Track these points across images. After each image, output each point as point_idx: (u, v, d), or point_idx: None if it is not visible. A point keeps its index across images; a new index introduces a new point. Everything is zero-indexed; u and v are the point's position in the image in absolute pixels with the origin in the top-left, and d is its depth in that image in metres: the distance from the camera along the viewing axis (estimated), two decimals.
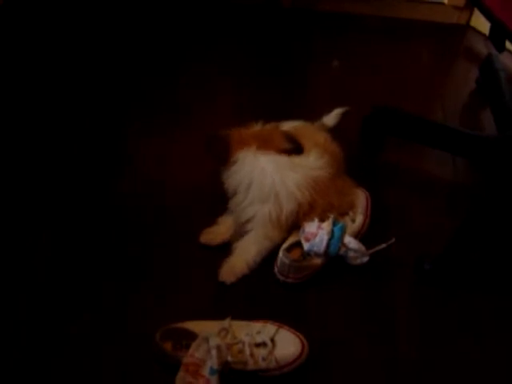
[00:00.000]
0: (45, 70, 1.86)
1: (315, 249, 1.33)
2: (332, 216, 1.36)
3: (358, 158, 1.62)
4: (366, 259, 1.36)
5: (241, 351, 1.22)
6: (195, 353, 1.20)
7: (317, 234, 1.33)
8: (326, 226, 1.34)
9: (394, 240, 1.38)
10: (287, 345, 1.24)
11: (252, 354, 1.22)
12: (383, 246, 1.38)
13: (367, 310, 1.36)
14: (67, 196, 1.55)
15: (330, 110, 1.67)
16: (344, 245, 1.34)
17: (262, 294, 1.38)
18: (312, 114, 1.64)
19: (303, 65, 1.90)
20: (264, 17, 2.08)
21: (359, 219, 1.41)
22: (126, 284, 1.37)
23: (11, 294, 1.35)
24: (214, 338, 1.20)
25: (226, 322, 1.25)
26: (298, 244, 1.36)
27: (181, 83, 1.82)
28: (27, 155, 1.64)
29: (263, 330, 1.25)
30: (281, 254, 1.34)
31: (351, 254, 1.35)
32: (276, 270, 1.37)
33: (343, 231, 1.34)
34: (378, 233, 1.44)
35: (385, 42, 1.99)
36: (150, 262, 1.41)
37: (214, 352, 1.18)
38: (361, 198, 1.46)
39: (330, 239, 1.33)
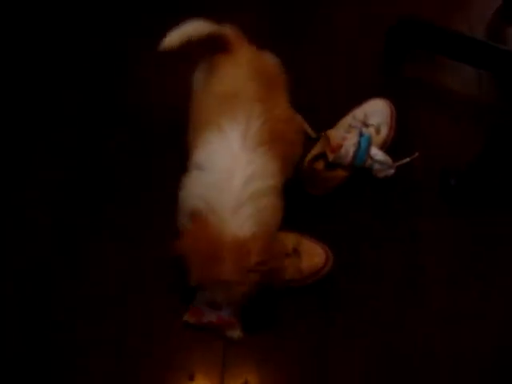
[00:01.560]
0: None
1: (340, 160, 1.29)
2: (358, 126, 1.32)
3: (382, 69, 1.56)
4: (391, 172, 1.33)
5: None
6: None
7: (342, 145, 1.29)
8: (353, 136, 1.30)
9: (417, 154, 1.35)
10: (311, 255, 1.22)
11: None
12: (407, 159, 1.34)
13: (395, 226, 1.34)
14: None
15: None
16: (370, 157, 1.30)
17: (286, 205, 1.34)
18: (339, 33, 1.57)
19: None
20: None
21: (384, 130, 1.37)
22: None
23: None
24: None
25: None
26: (323, 155, 1.31)
27: None
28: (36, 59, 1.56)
29: (285, 239, 1.22)
30: (306, 164, 1.30)
31: (377, 166, 1.32)
32: (301, 181, 1.33)
33: (370, 142, 1.30)
34: (401, 147, 1.40)
35: None
36: None
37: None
38: (384, 108, 1.40)
39: (356, 150, 1.28)
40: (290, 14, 1.66)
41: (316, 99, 1.49)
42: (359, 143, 1.29)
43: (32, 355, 1.20)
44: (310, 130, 1.38)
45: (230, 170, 1.02)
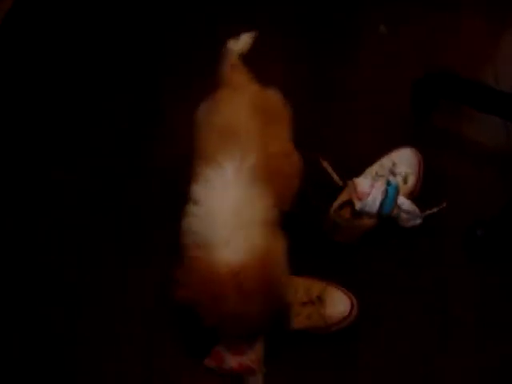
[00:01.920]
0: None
1: (367, 209, 1.29)
2: (385, 175, 1.32)
3: (409, 120, 1.56)
4: (418, 222, 1.33)
5: None
6: None
7: (370, 193, 1.29)
8: (380, 185, 1.30)
9: (445, 204, 1.34)
10: (335, 303, 1.22)
11: (298, 313, 1.20)
12: (434, 209, 1.34)
13: (419, 275, 1.33)
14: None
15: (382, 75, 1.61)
16: (397, 206, 1.30)
17: (310, 253, 1.34)
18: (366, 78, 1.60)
19: (351, 31, 1.81)
20: None
21: (411, 180, 1.37)
22: None
23: None
24: None
25: None
26: (349, 203, 1.32)
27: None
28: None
29: (311, 287, 1.22)
30: (332, 212, 1.31)
31: (404, 215, 1.31)
32: (326, 229, 1.33)
33: (397, 191, 1.30)
34: (428, 197, 1.39)
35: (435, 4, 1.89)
36: None
37: None
38: (412, 157, 1.40)
39: (383, 199, 1.29)
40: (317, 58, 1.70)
41: (343, 149, 1.50)
42: (387, 191, 1.29)
43: None
44: (336, 178, 1.39)
45: (221, 204, 1.04)
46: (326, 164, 1.39)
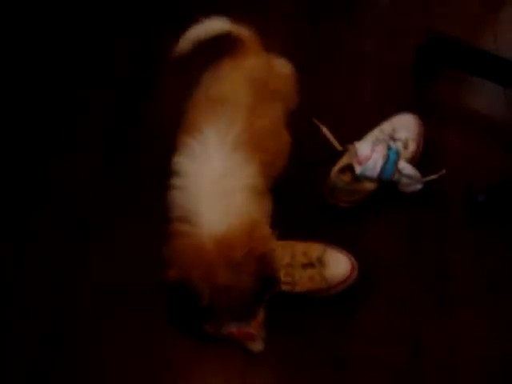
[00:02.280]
0: None
1: (368, 173, 1.29)
2: (386, 140, 1.31)
3: (410, 85, 1.55)
4: (419, 187, 1.32)
5: (287, 274, 1.19)
6: None
7: (371, 157, 1.29)
8: (381, 149, 1.30)
9: (444, 171, 1.33)
10: (336, 264, 1.22)
11: (300, 276, 1.19)
12: (434, 176, 1.34)
13: (418, 238, 1.33)
14: None
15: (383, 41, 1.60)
16: (398, 170, 1.29)
17: (310, 218, 1.34)
18: (367, 43, 1.59)
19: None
20: None
21: (412, 145, 1.36)
22: None
23: None
24: None
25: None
26: (349, 167, 1.31)
27: None
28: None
29: (309, 249, 1.22)
30: (332, 176, 1.30)
31: (405, 180, 1.31)
32: (325, 192, 1.32)
33: (398, 156, 1.30)
34: (427, 164, 1.39)
35: None
36: None
37: None
38: (412, 123, 1.39)
39: (384, 163, 1.28)
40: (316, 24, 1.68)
41: (342, 113, 1.49)
42: (388, 156, 1.29)
43: None
44: (335, 143, 1.38)
45: (202, 173, 1.00)
46: (325, 129, 1.38)
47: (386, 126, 1.38)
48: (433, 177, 1.34)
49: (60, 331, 1.24)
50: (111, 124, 1.52)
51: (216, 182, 0.99)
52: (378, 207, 1.35)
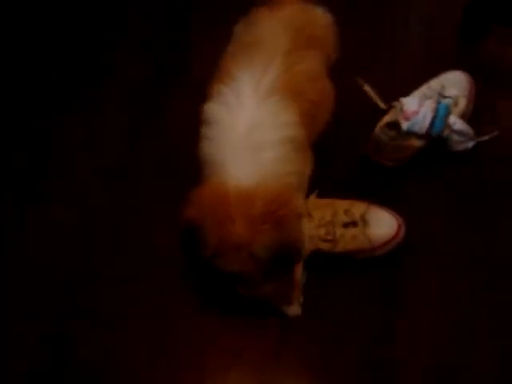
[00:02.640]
0: None
1: (416, 128, 1.19)
2: (435, 96, 1.22)
3: (460, 43, 1.46)
4: (470, 145, 1.23)
5: (328, 232, 1.09)
6: None
7: (418, 111, 1.19)
8: (430, 103, 1.19)
9: (496, 133, 1.23)
10: (381, 223, 1.12)
11: (341, 234, 1.09)
12: (486, 137, 1.24)
13: (468, 202, 1.23)
14: None
15: None
16: (448, 126, 1.19)
17: (351, 177, 1.25)
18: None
19: None
20: None
21: (462, 103, 1.26)
22: None
23: None
24: (304, 225, 1.07)
25: (309, 201, 1.11)
26: (395, 125, 1.21)
27: None
28: None
29: (351, 207, 1.12)
30: (377, 130, 1.20)
31: (455, 137, 1.21)
32: (369, 149, 1.23)
33: (448, 111, 1.20)
34: (477, 126, 1.27)
35: None
36: None
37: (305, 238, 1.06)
38: (463, 81, 1.29)
39: (433, 117, 1.18)
40: None
41: (387, 71, 1.41)
42: (437, 110, 1.19)
43: None
44: (379, 101, 1.28)
45: (235, 121, 0.93)
46: (367, 87, 1.28)
47: (435, 83, 1.28)
48: (484, 138, 1.24)
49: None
50: (137, 86, 1.45)
51: (247, 133, 0.91)
52: (424, 167, 1.25)
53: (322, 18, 1.14)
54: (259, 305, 1.08)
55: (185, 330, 1.11)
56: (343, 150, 1.28)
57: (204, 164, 0.98)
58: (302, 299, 1.10)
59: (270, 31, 1.04)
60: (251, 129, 0.92)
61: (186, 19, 1.55)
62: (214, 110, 0.96)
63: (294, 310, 1.08)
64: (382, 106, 1.26)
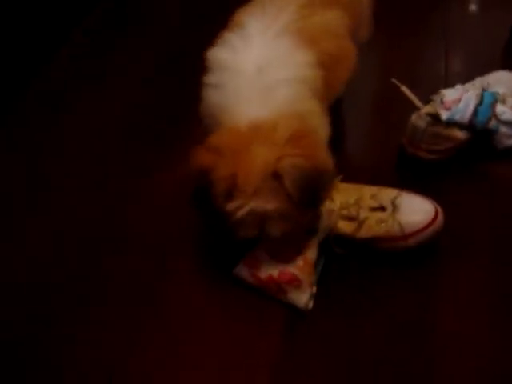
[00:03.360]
0: None
1: (457, 117, 1.05)
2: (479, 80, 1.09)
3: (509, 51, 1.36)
4: None
5: (350, 213, 0.93)
6: None
7: (461, 99, 1.05)
8: (474, 90, 1.06)
9: None
10: (415, 208, 0.95)
11: (365, 216, 0.92)
12: None
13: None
14: None
15: None
16: (495, 115, 1.05)
17: (384, 169, 1.10)
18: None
19: None
20: None
21: (510, 102, 1.11)
22: None
23: None
24: None
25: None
26: (435, 117, 1.06)
27: None
28: None
29: (380, 192, 0.96)
30: (413, 118, 1.06)
31: (503, 129, 1.06)
32: (405, 140, 1.08)
33: (495, 99, 1.06)
34: None
35: None
36: None
37: (323, 213, 0.90)
38: (511, 79, 1.16)
39: (477, 104, 1.04)
40: None
41: (426, 69, 1.33)
42: (482, 96, 1.05)
43: None
44: (416, 101, 1.15)
45: (242, 63, 0.83)
46: (404, 88, 1.16)
47: (479, 81, 1.15)
48: None
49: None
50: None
51: (257, 73, 0.82)
52: (466, 165, 1.09)
53: None
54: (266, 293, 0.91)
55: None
56: (377, 138, 1.16)
57: (209, 117, 0.86)
58: (315, 290, 0.91)
59: None
60: (261, 68, 0.82)
61: None
62: (218, 54, 0.87)
63: (304, 298, 0.89)
64: (421, 106, 1.13)
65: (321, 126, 0.89)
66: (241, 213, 0.78)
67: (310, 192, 0.79)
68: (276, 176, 0.77)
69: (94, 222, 1.08)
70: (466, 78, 1.19)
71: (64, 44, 1.49)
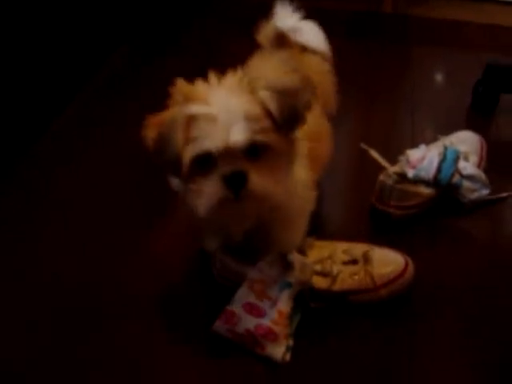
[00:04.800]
0: None
1: (423, 174, 1.11)
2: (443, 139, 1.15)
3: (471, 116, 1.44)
4: (484, 192, 1.12)
5: (325, 268, 0.97)
6: (266, 269, 0.95)
7: (425, 157, 1.11)
8: (437, 149, 1.12)
9: None
10: (385, 259, 0.99)
11: (339, 270, 0.96)
12: (504, 194, 1.14)
13: (485, 263, 1.09)
14: None
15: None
16: (458, 171, 1.11)
17: (355, 227, 1.15)
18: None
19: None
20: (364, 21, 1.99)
21: (473, 159, 1.18)
22: None
23: None
24: (295, 254, 0.95)
25: (307, 241, 1.00)
26: (402, 176, 1.12)
27: None
28: None
29: (352, 247, 1.00)
30: (381, 176, 1.12)
31: (467, 183, 1.12)
32: (374, 198, 1.13)
33: (457, 156, 1.12)
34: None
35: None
36: None
37: (295, 265, 0.94)
38: (474, 139, 1.25)
39: (441, 161, 1.10)
40: None
41: (391, 135, 1.40)
42: (445, 154, 1.11)
43: None
44: (384, 163, 1.21)
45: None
46: (373, 151, 1.22)
47: (443, 140, 1.22)
48: (503, 195, 1.14)
49: None
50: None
51: None
52: (434, 220, 1.14)
53: (319, 64, 1.13)
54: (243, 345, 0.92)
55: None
56: (349, 199, 1.22)
57: None
58: (291, 343, 0.93)
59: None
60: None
61: None
62: None
63: (280, 351, 0.91)
64: (388, 166, 1.19)
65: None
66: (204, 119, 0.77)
67: (291, 105, 0.79)
68: (251, 90, 0.78)
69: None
70: (432, 139, 1.26)
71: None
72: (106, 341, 0.96)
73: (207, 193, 0.79)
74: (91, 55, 1.64)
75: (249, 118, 0.76)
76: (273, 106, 0.78)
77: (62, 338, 0.97)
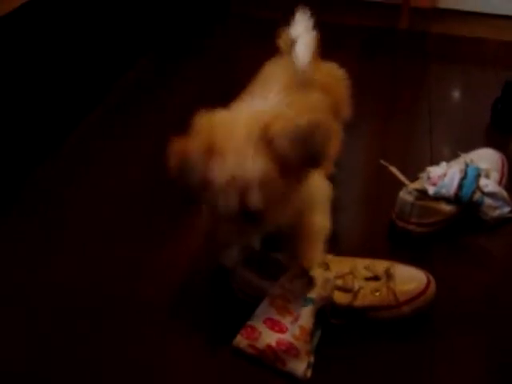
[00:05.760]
0: None
1: (444, 191, 1.10)
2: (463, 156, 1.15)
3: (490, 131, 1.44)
4: (507, 210, 1.12)
5: (346, 283, 0.96)
6: (287, 284, 0.95)
7: (446, 174, 1.11)
8: (458, 166, 1.12)
9: None
10: (407, 278, 0.98)
11: (360, 286, 0.96)
12: None
13: (506, 281, 1.08)
14: None
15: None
16: (479, 188, 1.10)
17: (376, 246, 1.14)
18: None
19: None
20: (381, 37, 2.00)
21: (494, 176, 1.17)
22: None
23: None
24: (317, 269, 0.96)
25: (327, 257, 1.00)
26: (423, 193, 1.12)
27: None
28: None
29: (373, 264, 1.00)
30: (401, 193, 1.12)
31: (488, 201, 1.11)
32: (394, 215, 1.13)
33: (478, 173, 1.12)
34: None
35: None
36: None
37: (317, 280, 0.94)
38: (495, 156, 1.25)
39: (462, 178, 1.10)
40: None
41: (411, 152, 1.39)
42: (466, 171, 1.11)
43: None
44: (404, 179, 1.21)
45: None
46: (392, 168, 1.22)
47: (463, 158, 1.21)
48: None
49: None
50: None
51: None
52: (455, 238, 1.13)
53: (333, 69, 1.20)
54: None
55: None
56: (368, 216, 1.21)
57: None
58: (312, 359, 0.92)
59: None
60: None
61: None
62: None
63: (301, 368, 0.90)
64: (408, 182, 1.18)
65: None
66: (220, 178, 0.79)
67: (308, 148, 0.80)
68: (266, 141, 0.79)
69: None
70: (451, 156, 1.26)
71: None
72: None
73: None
74: (101, 78, 1.66)
75: (263, 182, 0.79)
76: (292, 155, 0.80)
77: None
